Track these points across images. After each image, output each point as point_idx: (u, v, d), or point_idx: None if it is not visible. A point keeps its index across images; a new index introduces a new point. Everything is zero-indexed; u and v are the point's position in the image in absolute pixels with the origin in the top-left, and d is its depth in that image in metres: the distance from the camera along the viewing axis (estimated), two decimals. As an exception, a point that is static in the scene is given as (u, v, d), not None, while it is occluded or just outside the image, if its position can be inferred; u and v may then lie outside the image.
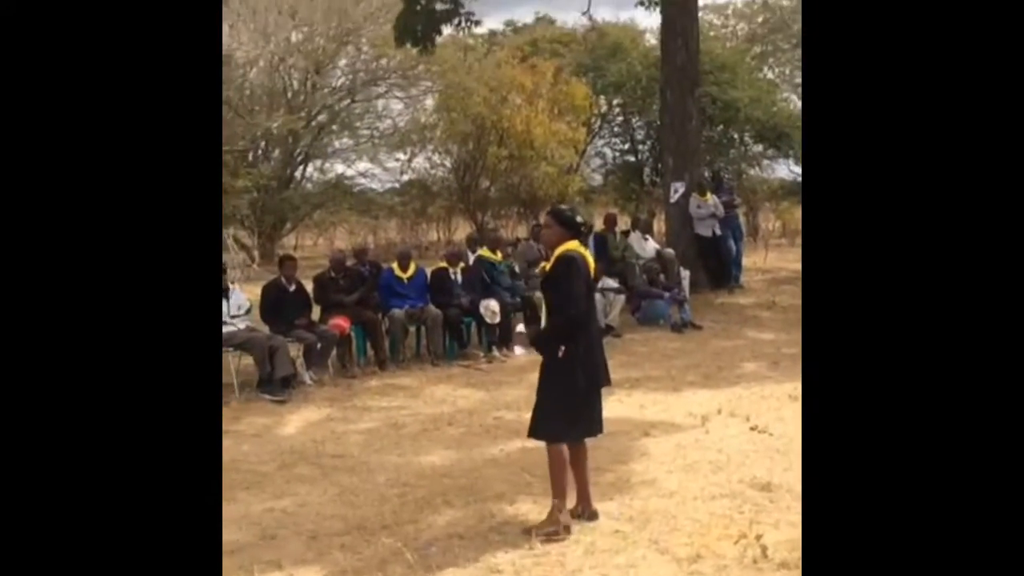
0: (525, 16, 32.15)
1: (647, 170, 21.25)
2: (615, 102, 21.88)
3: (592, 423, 3.99)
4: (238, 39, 18.20)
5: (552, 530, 3.81)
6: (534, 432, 3.98)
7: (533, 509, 4.16)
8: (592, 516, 4.02)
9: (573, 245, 3.94)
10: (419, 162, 21.30)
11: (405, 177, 21.59)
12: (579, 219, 4.05)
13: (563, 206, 4.33)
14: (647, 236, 11.04)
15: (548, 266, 4.03)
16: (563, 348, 3.84)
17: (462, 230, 21.25)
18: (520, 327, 4.43)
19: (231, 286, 7.43)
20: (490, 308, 8.25)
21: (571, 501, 4.01)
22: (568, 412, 3.89)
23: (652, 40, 20.68)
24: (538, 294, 8.87)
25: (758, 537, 3.64)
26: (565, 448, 3.91)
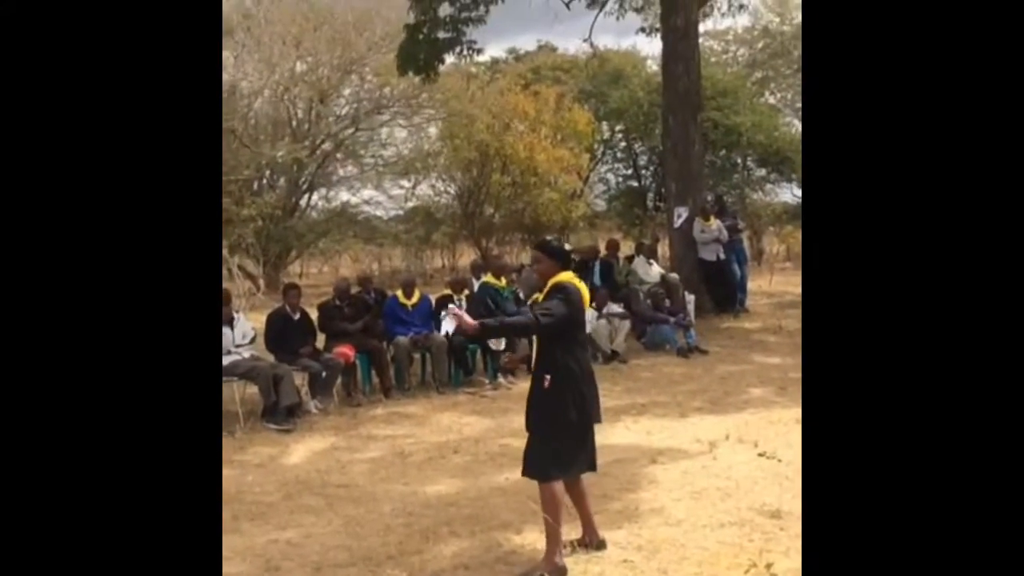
0: (527, 44, 32.46)
1: (650, 195, 21.33)
2: (617, 128, 22.01)
3: (587, 458, 3.92)
4: (243, 70, 18.37)
5: (544, 573, 3.70)
6: (526, 470, 3.87)
7: (540, 539, 4.09)
8: (600, 545, 3.96)
9: (566, 276, 3.89)
10: (423, 189, 21.40)
11: (409, 204, 21.69)
12: (564, 247, 4.05)
13: (548, 238, 4.33)
14: (651, 261, 11.04)
15: (541, 296, 3.94)
16: (548, 378, 3.76)
17: (466, 257, 21.28)
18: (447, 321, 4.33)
19: (236, 315, 7.42)
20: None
21: (576, 532, 3.97)
22: (561, 449, 3.79)
23: (654, 66, 20.85)
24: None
25: (768, 566, 3.59)
26: (560, 485, 3.79)
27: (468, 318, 3.75)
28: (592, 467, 3.97)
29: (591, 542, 3.97)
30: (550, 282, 3.87)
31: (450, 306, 4.18)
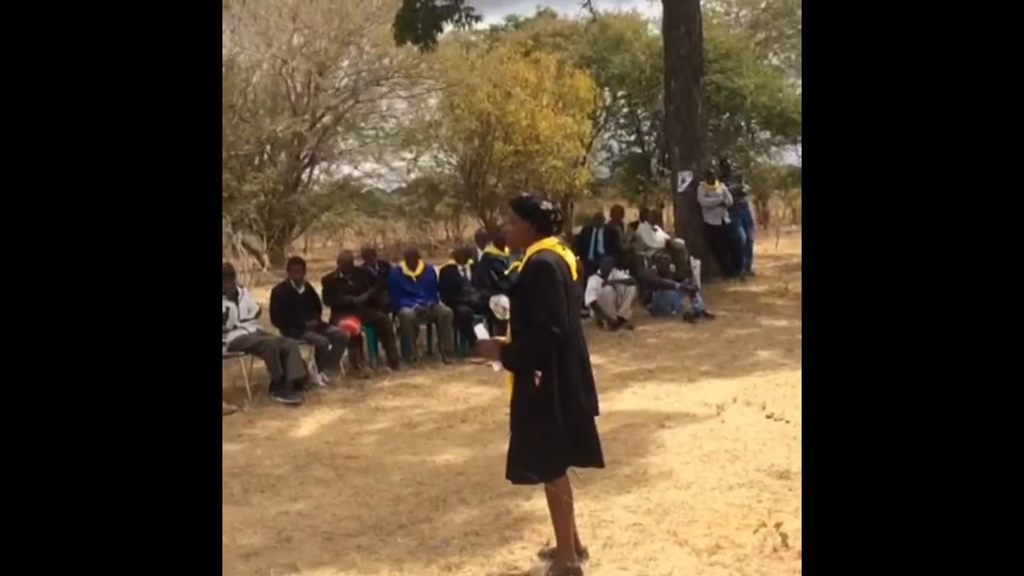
0: (526, 11, 32.00)
1: (654, 161, 21.19)
2: (620, 94, 21.81)
3: (586, 455, 3.41)
4: (240, 44, 18.22)
5: (558, 574, 3.37)
6: (508, 473, 3.36)
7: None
8: (580, 553, 3.50)
9: (548, 244, 3.24)
10: (425, 161, 21.31)
11: (412, 176, 21.64)
12: (546, 208, 3.27)
13: (525, 194, 3.48)
14: (656, 227, 10.99)
15: (520, 268, 3.32)
16: (540, 375, 3.16)
17: (470, 227, 21.24)
18: (480, 330, 3.86)
19: (241, 289, 7.41)
20: (500, 304, 8.20)
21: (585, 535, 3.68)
22: (548, 451, 3.25)
23: (655, 30, 20.59)
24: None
25: (778, 525, 3.59)
26: (564, 485, 3.33)
27: (495, 365, 3.32)
28: (599, 464, 3.50)
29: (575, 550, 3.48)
30: (528, 252, 3.27)
31: (479, 328, 3.63)
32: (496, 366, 3.34)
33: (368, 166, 21.35)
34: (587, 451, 3.41)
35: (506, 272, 8.52)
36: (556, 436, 3.23)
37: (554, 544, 3.48)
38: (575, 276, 3.34)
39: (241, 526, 4.16)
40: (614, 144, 23.33)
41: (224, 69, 18.16)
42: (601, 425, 5.54)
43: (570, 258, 3.32)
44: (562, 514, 3.34)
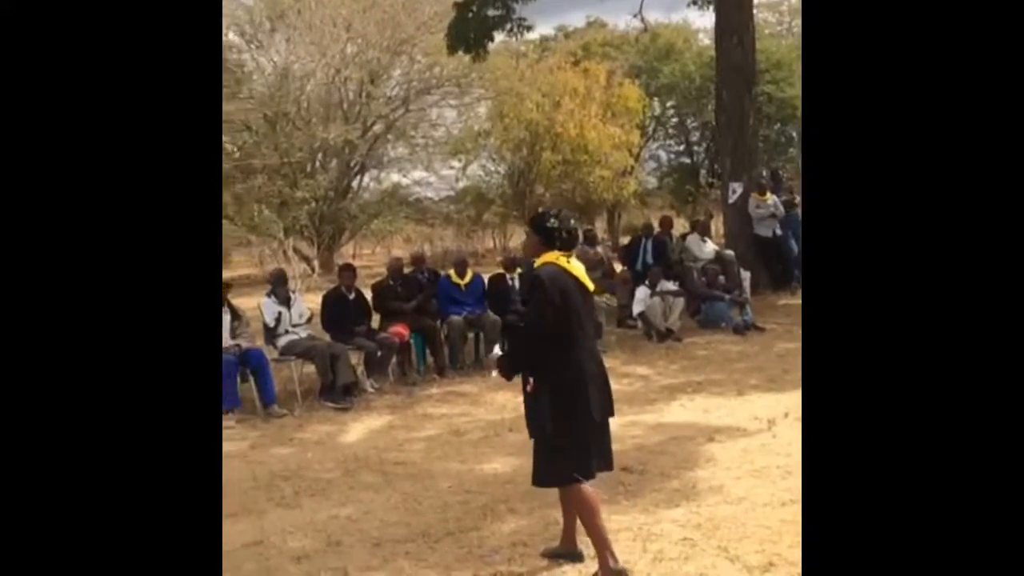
0: (576, 21, 32.09)
1: (703, 172, 21.06)
2: (669, 104, 21.73)
3: (579, 465, 3.39)
4: (295, 53, 18.54)
5: None
6: (534, 478, 3.54)
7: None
8: (576, 557, 3.61)
9: (552, 257, 3.42)
10: (473, 169, 21.45)
11: (460, 185, 21.78)
12: (552, 224, 3.43)
13: (545, 210, 3.70)
14: (706, 238, 10.89)
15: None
16: (531, 382, 3.38)
17: (517, 237, 21.28)
18: (497, 350, 4.13)
19: (293, 295, 7.53)
20: (495, 355, 8.14)
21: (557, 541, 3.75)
22: (560, 453, 3.37)
23: (705, 40, 20.49)
24: (595, 299, 8.83)
25: (832, 545, 3.52)
26: (585, 489, 3.39)
27: (493, 372, 3.75)
28: (599, 471, 3.50)
29: (567, 552, 3.65)
30: (535, 265, 3.50)
31: (495, 350, 3.97)
32: (494, 372, 3.74)
33: (417, 174, 21.56)
34: (592, 457, 3.43)
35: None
36: (555, 441, 3.35)
37: (556, 544, 3.68)
38: (589, 285, 3.51)
39: (292, 529, 4.21)
40: (662, 154, 23.25)
41: (278, 78, 18.52)
42: (649, 437, 5.58)
43: (577, 269, 3.47)
44: (591, 517, 3.39)
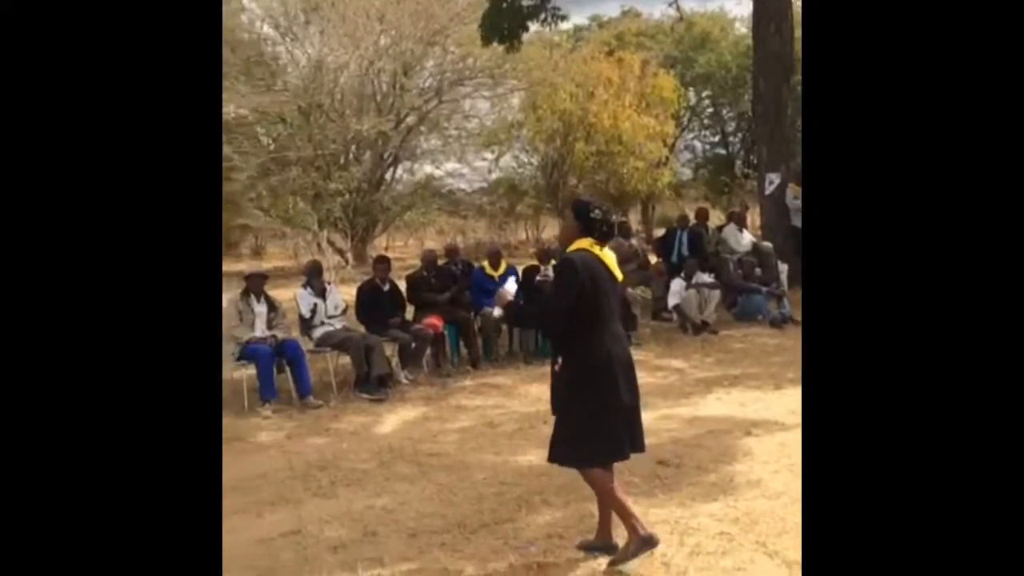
0: (611, 10, 31.88)
1: (739, 162, 20.84)
2: (704, 94, 21.53)
3: (610, 448, 3.44)
4: (328, 45, 18.63)
5: (636, 549, 3.42)
6: (551, 456, 3.55)
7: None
8: (611, 550, 3.56)
9: (585, 244, 3.47)
10: (506, 161, 21.46)
11: (493, 176, 21.79)
12: (595, 216, 3.47)
13: (589, 199, 3.67)
14: (743, 229, 10.76)
15: (555, 262, 3.63)
16: (559, 362, 3.45)
17: (550, 228, 21.24)
18: (511, 283, 4.01)
19: (328, 286, 7.57)
20: (508, 290, 8.09)
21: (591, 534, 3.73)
22: (582, 435, 3.40)
23: (742, 29, 20.25)
24: (629, 291, 8.77)
25: (874, 541, 3.46)
26: (598, 472, 3.44)
27: (511, 295, 3.71)
28: (632, 452, 3.52)
29: (603, 545, 3.62)
30: (568, 250, 3.51)
31: (501, 290, 3.91)
32: (498, 310, 3.61)
33: (450, 166, 21.62)
34: (623, 438, 3.46)
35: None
36: (580, 422, 3.39)
37: (592, 537, 3.67)
38: (617, 275, 3.55)
39: (328, 519, 4.23)
40: (697, 145, 23.08)
41: (312, 70, 18.64)
42: (685, 430, 5.54)
43: (608, 258, 3.52)
44: (610, 494, 3.45)
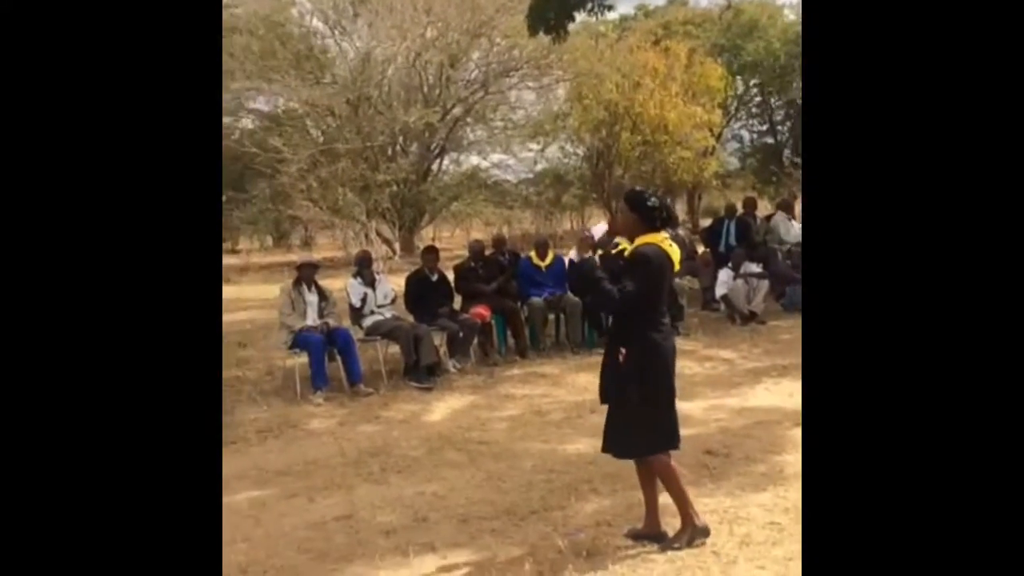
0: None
1: (787, 151, 20.54)
2: (752, 82, 21.25)
3: (661, 439, 3.51)
4: (376, 37, 18.79)
5: (690, 537, 3.53)
6: (606, 446, 3.63)
7: (682, 498, 4.08)
8: (659, 538, 3.61)
9: (656, 239, 3.47)
10: (552, 151, 21.45)
11: (539, 167, 21.82)
12: (653, 204, 3.50)
13: (640, 189, 3.71)
14: (792, 219, 10.62)
15: (628, 253, 3.52)
16: (624, 352, 3.45)
17: (596, 219, 21.18)
18: (601, 226, 3.95)
19: (378, 276, 7.68)
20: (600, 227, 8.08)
21: (639, 522, 3.75)
22: (641, 425, 3.47)
23: (791, 16, 19.91)
24: (676, 281, 8.73)
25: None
26: (665, 457, 3.53)
27: (597, 237, 3.71)
28: (675, 445, 3.58)
29: (651, 534, 3.63)
30: (633, 245, 3.50)
31: (592, 229, 3.88)
32: (574, 253, 3.65)
33: (496, 157, 21.69)
34: (664, 435, 3.53)
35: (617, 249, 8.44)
36: (644, 413, 3.43)
37: (640, 525, 3.69)
38: (677, 268, 3.60)
39: (380, 504, 4.32)
40: (745, 134, 22.81)
41: (360, 62, 18.83)
42: (733, 420, 5.52)
43: (675, 253, 3.53)
44: (673, 480, 3.53)
